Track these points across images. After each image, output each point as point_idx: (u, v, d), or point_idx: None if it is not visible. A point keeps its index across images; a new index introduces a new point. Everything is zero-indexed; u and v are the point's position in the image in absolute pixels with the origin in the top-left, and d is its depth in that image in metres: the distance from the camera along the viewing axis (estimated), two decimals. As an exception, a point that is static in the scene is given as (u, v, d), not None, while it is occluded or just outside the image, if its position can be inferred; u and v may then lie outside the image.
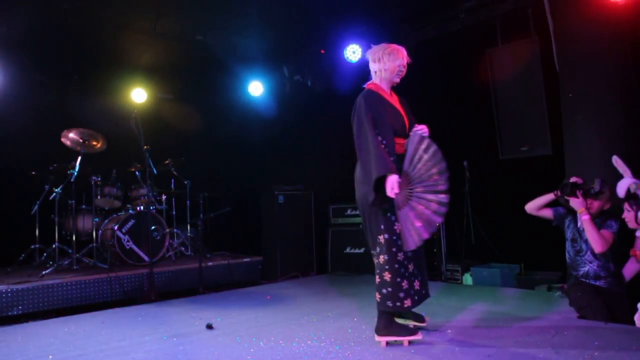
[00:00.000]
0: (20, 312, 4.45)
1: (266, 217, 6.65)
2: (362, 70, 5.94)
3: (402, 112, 3.22)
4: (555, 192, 3.79)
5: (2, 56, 5.79)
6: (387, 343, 3.08)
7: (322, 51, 6.65)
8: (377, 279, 3.08)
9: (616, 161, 3.50)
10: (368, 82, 3.27)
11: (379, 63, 3.17)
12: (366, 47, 5.92)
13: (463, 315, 3.81)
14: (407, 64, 3.22)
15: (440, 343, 3.10)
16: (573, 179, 3.70)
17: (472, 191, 5.44)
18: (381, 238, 3.06)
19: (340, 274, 6.09)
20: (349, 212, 6.33)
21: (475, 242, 5.40)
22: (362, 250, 6.07)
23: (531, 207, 3.98)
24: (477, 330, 3.37)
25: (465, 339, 3.16)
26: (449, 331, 3.36)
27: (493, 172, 5.48)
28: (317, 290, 5.19)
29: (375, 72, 3.22)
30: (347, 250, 6.25)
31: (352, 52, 6.09)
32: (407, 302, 3.02)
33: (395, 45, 3.20)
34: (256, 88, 7.14)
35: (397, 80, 3.21)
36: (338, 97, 6.28)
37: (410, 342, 3.06)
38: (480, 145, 5.64)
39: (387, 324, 3.10)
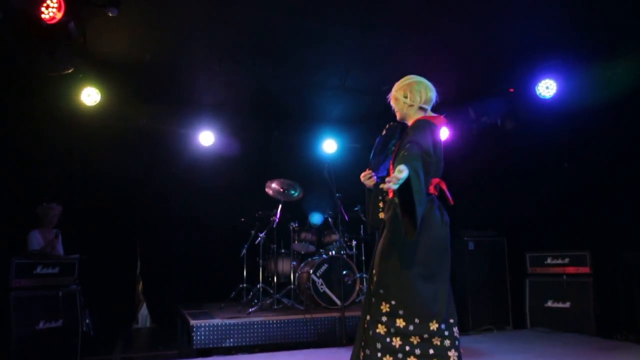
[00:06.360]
0: (231, 344, 4.90)
1: (455, 264, 6.20)
2: (555, 106, 5.61)
3: None
4: None
5: (215, 121, 6.80)
6: None
7: (511, 89, 6.35)
8: None
9: None
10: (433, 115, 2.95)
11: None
12: (561, 81, 5.58)
13: None
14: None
15: None
16: None
17: None
18: None
19: (541, 330, 5.48)
20: (549, 260, 5.69)
21: None
22: (566, 304, 5.37)
23: None
24: None
25: None
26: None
27: None
28: (515, 347, 4.75)
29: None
30: (549, 303, 5.59)
31: (545, 88, 5.70)
32: None
33: None
34: (443, 132, 7.02)
35: None
36: (530, 135, 6.01)
37: None
38: None
39: None
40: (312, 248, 6.40)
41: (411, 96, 2.89)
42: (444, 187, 2.76)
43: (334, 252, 6.12)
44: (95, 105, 5.83)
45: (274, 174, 6.36)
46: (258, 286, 5.97)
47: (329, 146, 7.32)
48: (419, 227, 2.44)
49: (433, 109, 2.93)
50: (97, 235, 6.18)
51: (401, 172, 2.33)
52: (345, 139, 7.54)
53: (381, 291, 2.63)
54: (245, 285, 6.19)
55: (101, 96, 5.83)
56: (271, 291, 5.96)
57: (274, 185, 6.17)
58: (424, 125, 2.76)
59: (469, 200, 6.75)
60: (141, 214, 6.66)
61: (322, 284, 5.83)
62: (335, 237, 6.34)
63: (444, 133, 6.98)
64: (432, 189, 2.71)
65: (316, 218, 6.54)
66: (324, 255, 6.09)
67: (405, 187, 2.40)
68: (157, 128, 6.83)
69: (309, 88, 6.53)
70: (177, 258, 6.72)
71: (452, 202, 2.75)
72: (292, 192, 6.21)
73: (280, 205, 6.04)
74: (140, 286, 6.67)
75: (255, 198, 6.58)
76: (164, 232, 6.74)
